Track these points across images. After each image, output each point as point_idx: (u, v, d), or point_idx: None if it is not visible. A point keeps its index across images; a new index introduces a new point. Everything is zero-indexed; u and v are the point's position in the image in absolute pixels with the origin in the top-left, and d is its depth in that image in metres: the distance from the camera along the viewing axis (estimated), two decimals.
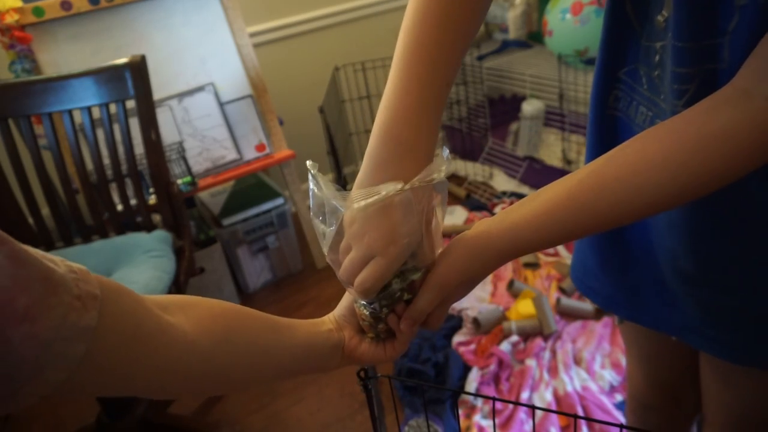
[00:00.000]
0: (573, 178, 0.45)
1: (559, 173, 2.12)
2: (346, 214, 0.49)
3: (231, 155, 1.85)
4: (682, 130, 0.41)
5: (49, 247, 1.35)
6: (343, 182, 1.51)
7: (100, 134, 1.31)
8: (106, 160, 1.33)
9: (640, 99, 0.54)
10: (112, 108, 1.28)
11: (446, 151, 0.52)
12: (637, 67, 0.54)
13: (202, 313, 0.48)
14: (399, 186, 0.48)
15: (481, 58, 2.43)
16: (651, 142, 0.42)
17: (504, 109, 2.45)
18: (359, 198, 0.48)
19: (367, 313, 0.54)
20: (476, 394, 0.56)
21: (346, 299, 0.58)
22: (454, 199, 2.35)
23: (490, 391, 1.42)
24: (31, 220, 1.35)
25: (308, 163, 0.54)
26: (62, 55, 1.67)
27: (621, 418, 1.24)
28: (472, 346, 1.55)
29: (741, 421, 0.68)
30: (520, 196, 2.24)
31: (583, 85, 2.02)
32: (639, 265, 0.64)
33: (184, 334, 0.44)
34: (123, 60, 1.25)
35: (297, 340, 0.54)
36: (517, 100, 2.33)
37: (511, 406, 1.35)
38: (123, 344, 0.39)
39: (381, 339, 0.57)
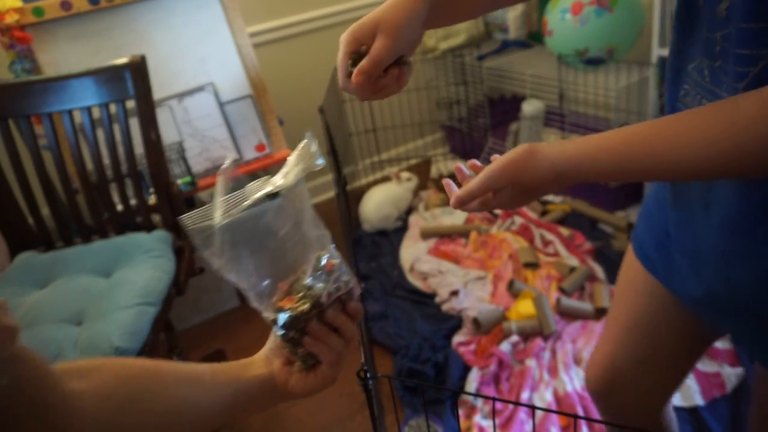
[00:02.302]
0: (631, 129, 0.50)
1: None
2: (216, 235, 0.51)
3: (231, 155, 1.85)
4: (726, 107, 0.45)
5: (49, 247, 1.35)
6: (342, 182, 1.51)
7: (100, 134, 1.31)
8: (106, 160, 1.33)
9: (703, 93, 0.55)
10: (112, 108, 1.28)
11: (309, 135, 0.54)
12: (702, 61, 0.55)
13: (106, 378, 0.48)
14: (266, 189, 0.51)
15: (481, 58, 2.43)
16: (696, 114, 0.47)
17: (504, 109, 2.45)
18: (228, 209, 0.50)
19: (282, 338, 0.54)
20: (476, 395, 0.56)
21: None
22: None
23: (490, 391, 1.42)
24: (31, 220, 1.35)
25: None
26: (62, 55, 1.67)
27: None
28: (472, 347, 1.55)
29: None
30: None
31: (583, 85, 2.02)
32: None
33: (82, 402, 0.43)
34: (123, 60, 1.24)
35: (222, 387, 0.55)
36: (517, 100, 2.33)
37: (511, 406, 1.35)
38: (17, 413, 0.39)
39: (309, 365, 0.57)
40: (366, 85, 0.59)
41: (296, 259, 0.54)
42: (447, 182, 0.62)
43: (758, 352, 0.62)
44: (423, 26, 0.60)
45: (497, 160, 0.56)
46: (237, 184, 0.52)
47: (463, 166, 0.63)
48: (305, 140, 0.53)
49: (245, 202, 0.47)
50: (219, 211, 0.48)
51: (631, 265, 0.79)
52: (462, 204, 0.58)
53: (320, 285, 0.53)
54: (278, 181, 0.49)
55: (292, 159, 0.52)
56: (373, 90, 0.60)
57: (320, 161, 0.52)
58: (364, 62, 0.57)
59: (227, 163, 0.52)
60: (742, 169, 0.45)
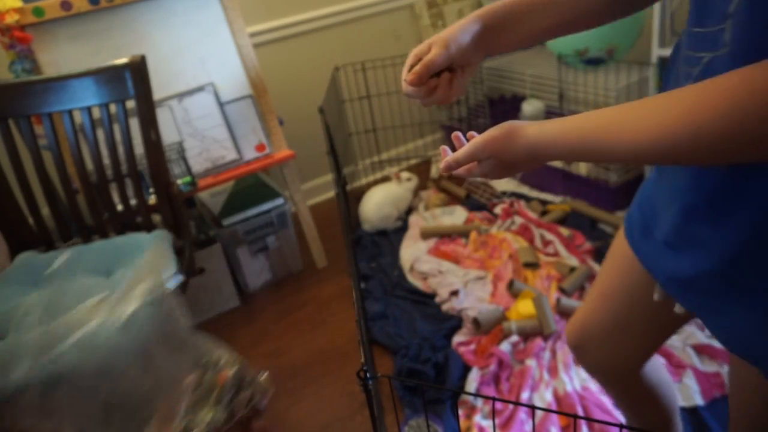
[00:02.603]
0: (598, 113, 0.53)
1: (559, 174, 2.12)
2: None
3: (231, 155, 1.85)
4: (674, 94, 0.47)
5: (49, 246, 1.35)
6: (342, 182, 1.51)
7: (100, 134, 1.31)
8: (106, 160, 1.33)
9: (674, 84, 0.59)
10: (112, 108, 1.28)
11: (159, 235, 0.53)
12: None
13: None
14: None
15: None
16: (650, 100, 0.49)
17: (504, 109, 2.45)
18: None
19: None
20: (476, 395, 0.56)
21: None
22: (454, 199, 2.35)
23: (490, 391, 1.42)
24: (31, 220, 1.35)
25: None
26: (62, 56, 1.67)
27: (621, 419, 1.24)
28: (472, 346, 1.55)
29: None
30: (519, 196, 2.24)
31: (582, 84, 2.02)
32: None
33: None
34: (123, 60, 1.25)
35: None
36: (517, 100, 2.33)
37: (511, 406, 1.35)
38: None
39: None
40: (418, 84, 0.68)
41: (155, 394, 0.46)
42: (456, 135, 0.68)
43: (722, 335, 0.63)
44: (475, 43, 0.68)
45: (483, 134, 0.61)
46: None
47: (461, 135, 0.67)
48: (156, 241, 0.49)
49: (62, 345, 0.40)
50: (26, 359, 0.41)
51: (620, 238, 0.83)
52: (449, 169, 0.65)
53: (208, 416, 0.48)
54: (118, 306, 0.44)
55: (139, 269, 0.47)
56: (427, 91, 0.69)
57: (174, 278, 0.48)
58: (417, 66, 0.67)
59: None
60: (688, 155, 0.46)
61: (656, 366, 0.96)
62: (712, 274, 0.59)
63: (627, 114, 0.49)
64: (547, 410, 0.55)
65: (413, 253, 2.02)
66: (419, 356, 1.53)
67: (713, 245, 0.57)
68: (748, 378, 0.66)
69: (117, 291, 0.37)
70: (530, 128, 0.57)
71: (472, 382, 1.43)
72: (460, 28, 0.67)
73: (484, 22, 0.67)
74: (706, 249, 0.58)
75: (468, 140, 0.64)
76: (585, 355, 0.94)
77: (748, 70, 0.42)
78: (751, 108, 0.41)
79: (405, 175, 2.27)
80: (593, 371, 0.95)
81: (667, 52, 1.66)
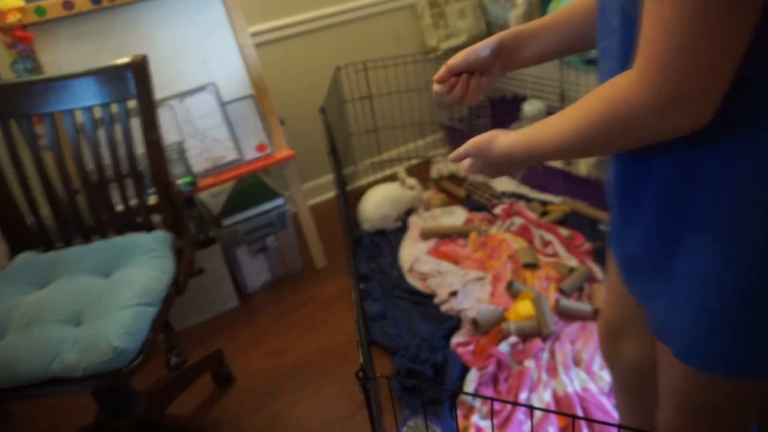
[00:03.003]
0: (541, 123, 0.64)
1: (560, 174, 2.12)
2: None
3: (231, 155, 1.86)
4: (578, 107, 0.59)
5: (48, 247, 1.36)
6: (343, 182, 1.51)
7: (101, 134, 1.31)
8: (107, 160, 1.34)
9: None
10: (114, 108, 1.29)
11: None
12: None
13: None
14: None
15: None
16: (566, 111, 0.61)
17: (505, 109, 2.45)
18: None
19: None
20: (475, 395, 0.56)
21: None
22: (454, 200, 2.35)
23: (488, 391, 1.42)
24: (30, 220, 1.36)
25: None
26: (64, 55, 1.68)
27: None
28: (471, 347, 1.55)
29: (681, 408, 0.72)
30: (519, 196, 2.24)
31: (584, 85, 2.02)
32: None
33: None
34: (124, 60, 1.25)
35: None
36: (518, 101, 2.33)
37: (509, 406, 1.35)
38: None
39: None
40: (439, 82, 0.82)
41: None
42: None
43: (653, 324, 0.68)
44: (494, 55, 0.81)
45: (476, 137, 0.73)
46: None
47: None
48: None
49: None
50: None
51: None
52: (453, 160, 0.77)
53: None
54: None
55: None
56: (448, 88, 0.82)
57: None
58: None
59: None
60: (590, 148, 0.59)
61: None
62: (641, 257, 0.67)
63: (552, 122, 0.62)
64: (545, 410, 0.56)
65: (413, 253, 2.02)
66: (418, 357, 1.53)
67: (639, 226, 0.66)
68: (663, 362, 0.71)
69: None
70: (506, 136, 0.69)
71: (470, 383, 1.43)
72: (483, 43, 0.81)
73: (502, 40, 0.81)
74: (635, 230, 0.67)
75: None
76: (611, 352, 0.95)
77: (605, 85, 0.55)
78: (609, 114, 0.54)
79: (410, 181, 2.26)
80: (620, 369, 0.95)
81: None
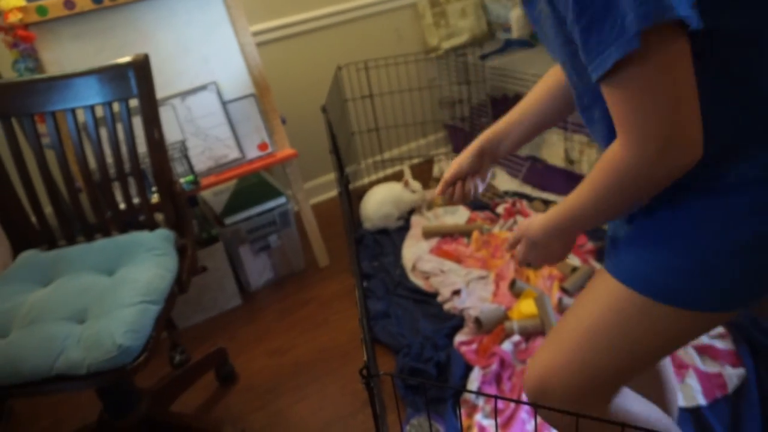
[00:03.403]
0: (567, 198, 0.74)
1: (562, 173, 2.12)
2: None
3: (233, 154, 1.86)
4: (589, 177, 0.70)
5: (52, 245, 1.36)
6: (345, 181, 1.51)
7: (104, 133, 1.31)
8: (109, 159, 1.34)
9: None
10: (116, 107, 1.29)
11: None
12: None
13: None
14: None
15: (484, 57, 2.43)
16: (584, 181, 0.72)
17: (507, 108, 2.44)
18: None
19: None
20: (478, 392, 0.56)
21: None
22: None
23: (491, 390, 1.42)
24: (33, 219, 1.36)
25: None
26: (65, 54, 1.68)
27: None
28: (474, 346, 1.55)
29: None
30: (522, 195, 2.24)
31: None
32: None
33: None
34: (126, 59, 1.25)
35: None
36: (520, 99, 2.33)
37: (512, 406, 1.35)
38: None
39: None
40: (441, 193, 1.00)
41: None
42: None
43: (616, 268, 0.77)
44: (479, 159, 0.95)
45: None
46: None
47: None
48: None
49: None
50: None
51: None
52: (509, 249, 0.88)
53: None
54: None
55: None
56: (449, 196, 1.00)
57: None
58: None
59: None
60: (603, 211, 0.71)
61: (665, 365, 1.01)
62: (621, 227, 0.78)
63: (575, 196, 0.72)
64: (549, 408, 0.56)
65: (415, 252, 2.02)
66: (421, 355, 1.53)
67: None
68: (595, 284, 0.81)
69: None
70: (543, 214, 0.79)
71: (473, 382, 1.43)
72: (467, 153, 0.95)
73: (482, 144, 0.95)
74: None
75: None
76: None
77: (604, 158, 0.66)
78: (618, 182, 0.65)
79: (414, 185, 2.23)
80: None
81: None
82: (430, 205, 2.28)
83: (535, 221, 0.80)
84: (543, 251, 0.83)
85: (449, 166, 0.99)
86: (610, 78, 0.59)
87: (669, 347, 0.78)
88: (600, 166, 0.67)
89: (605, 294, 0.77)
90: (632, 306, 0.74)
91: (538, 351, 0.85)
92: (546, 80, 0.92)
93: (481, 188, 0.99)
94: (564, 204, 0.75)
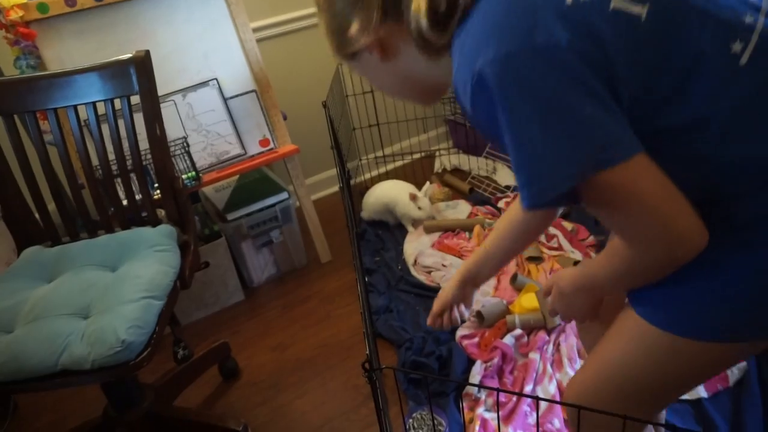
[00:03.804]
0: (598, 260, 0.75)
1: None
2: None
3: (235, 150, 1.86)
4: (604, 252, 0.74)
5: (55, 241, 1.36)
6: (347, 177, 1.51)
7: (105, 130, 1.31)
8: (111, 156, 1.34)
9: None
10: (117, 103, 1.29)
11: None
12: None
13: None
14: None
15: None
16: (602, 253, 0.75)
17: None
18: None
19: None
20: (480, 385, 0.56)
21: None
22: (457, 194, 2.35)
23: (493, 384, 1.42)
24: (37, 216, 1.36)
25: None
26: (67, 51, 1.68)
27: None
28: (476, 340, 1.55)
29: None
30: None
31: None
32: None
33: None
34: (127, 55, 1.25)
35: None
36: None
37: (514, 399, 1.35)
38: None
39: None
40: (431, 325, 1.10)
41: None
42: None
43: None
44: (461, 292, 1.05)
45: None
46: None
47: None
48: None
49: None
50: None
51: None
52: (545, 296, 0.88)
53: None
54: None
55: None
56: (440, 325, 1.09)
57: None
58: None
59: None
60: (620, 282, 0.73)
61: None
62: None
63: (596, 261, 0.74)
64: (550, 401, 0.56)
65: (417, 247, 2.02)
66: (423, 349, 1.54)
67: None
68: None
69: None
70: (574, 268, 0.81)
71: (475, 375, 1.44)
72: (448, 287, 1.05)
73: (462, 277, 1.04)
74: None
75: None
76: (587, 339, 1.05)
77: (614, 250, 0.67)
78: (623, 268, 0.67)
79: (423, 201, 2.11)
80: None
81: None
82: (432, 200, 2.24)
83: (567, 272, 0.81)
84: (569, 304, 0.83)
85: (437, 297, 1.08)
86: (577, 194, 0.59)
87: (703, 377, 0.77)
88: (613, 247, 0.67)
89: (633, 333, 0.75)
90: (660, 344, 0.72)
91: (577, 373, 0.86)
92: (508, 214, 0.98)
93: (466, 314, 1.08)
94: (588, 267, 0.76)
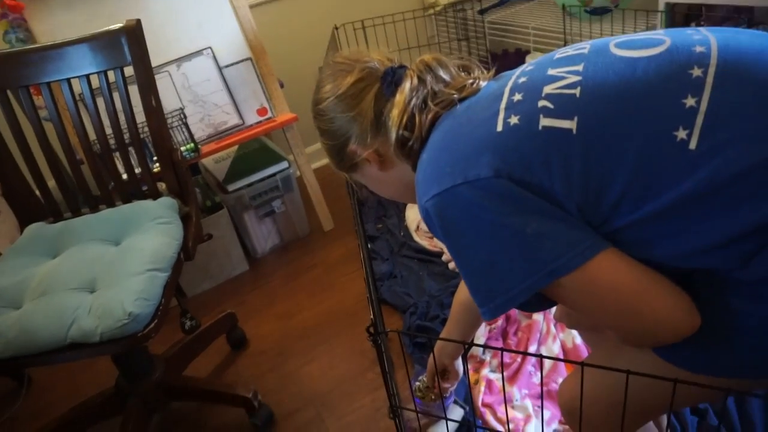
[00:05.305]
0: None
1: None
2: None
3: (233, 120, 1.84)
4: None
5: (57, 217, 1.36)
6: None
7: (101, 103, 1.30)
8: (108, 129, 1.33)
9: None
10: (111, 76, 1.27)
11: None
12: None
13: None
14: None
15: (482, 12, 2.37)
16: None
17: (507, 63, 2.40)
18: None
19: None
20: (485, 345, 0.57)
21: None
22: None
23: (498, 345, 1.44)
24: (38, 192, 1.36)
25: None
26: (57, 24, 1.65)
27: None
28: None
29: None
30: None
31: (588, 37, 1.97)
32: None
33: None
34: (118, 25, 1.22)
35: None
36: (521, 55, 2.29)
37: (519, 359, 1.37)
38: None
39: None
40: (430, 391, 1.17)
41: None
42: None
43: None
44: (450, 356, 1.10)
45: None
46: None
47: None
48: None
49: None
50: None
51: None
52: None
53: None
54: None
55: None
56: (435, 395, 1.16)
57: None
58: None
59: None
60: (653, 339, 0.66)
61: None
62: None
63: None
64: (554, 359, 0.57)
65: (419, 212, 2.02)
66: (427, 314, 1.55)
67: None
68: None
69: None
70: None
71: (480, 337, 1.45)
72: (431, 365, 1.15)
73: (439, 357, 1.10)
74: None
75: None
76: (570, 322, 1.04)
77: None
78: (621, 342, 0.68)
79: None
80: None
81: None
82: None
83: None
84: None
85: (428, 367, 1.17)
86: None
87: (706, 400, 0.79)
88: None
89: (640, 360, 0.72)
90: (668, 373, 0.70)
91: (570, 376, 0.85)
92: (458, 295, 1.02)
93: (455, 384, 1.16)
94: None
